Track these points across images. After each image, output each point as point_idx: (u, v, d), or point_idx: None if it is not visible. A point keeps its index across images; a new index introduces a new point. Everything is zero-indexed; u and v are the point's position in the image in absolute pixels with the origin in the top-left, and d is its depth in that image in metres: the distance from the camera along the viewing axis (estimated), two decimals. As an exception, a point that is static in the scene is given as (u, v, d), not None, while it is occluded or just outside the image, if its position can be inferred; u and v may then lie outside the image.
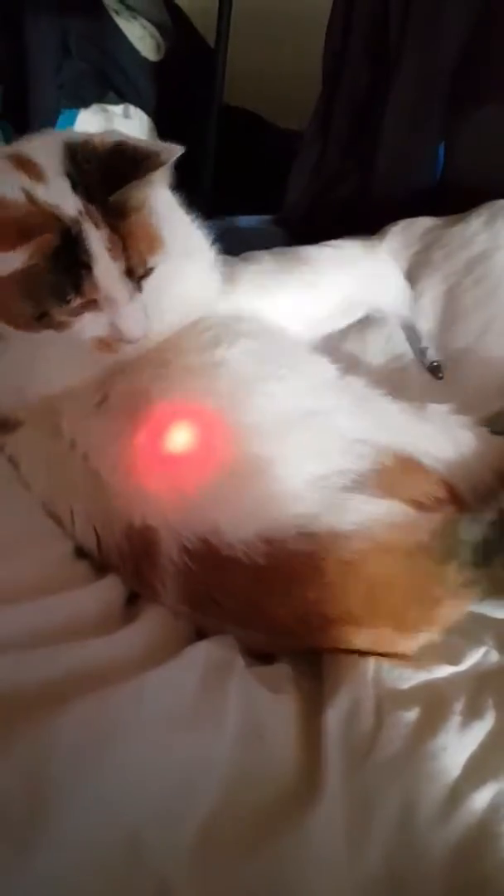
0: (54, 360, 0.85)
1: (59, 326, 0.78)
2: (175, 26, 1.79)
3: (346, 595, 0.73)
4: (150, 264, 0.79)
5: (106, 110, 1.73)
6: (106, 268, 0.75)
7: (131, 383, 0.83)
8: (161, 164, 0.76)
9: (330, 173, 1.38)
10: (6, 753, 0.60)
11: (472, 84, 1.31)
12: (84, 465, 0.81)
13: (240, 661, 0.73)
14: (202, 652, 0.72)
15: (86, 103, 1.70)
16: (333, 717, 0.68)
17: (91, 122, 1.71)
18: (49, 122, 1.62)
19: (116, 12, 1.70)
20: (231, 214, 1.38)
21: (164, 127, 1.77)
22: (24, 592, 0.76)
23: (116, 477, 0.79)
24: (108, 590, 0.80)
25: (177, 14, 1.80)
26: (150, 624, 0.77)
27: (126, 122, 1.74)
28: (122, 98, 1.74)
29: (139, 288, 0.79)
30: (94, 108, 1.72)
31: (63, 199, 0.75)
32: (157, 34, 1.76)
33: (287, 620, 0.75)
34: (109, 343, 0.81)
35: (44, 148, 0.79)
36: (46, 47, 1.56)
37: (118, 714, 0.65)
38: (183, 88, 1.72)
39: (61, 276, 0.74)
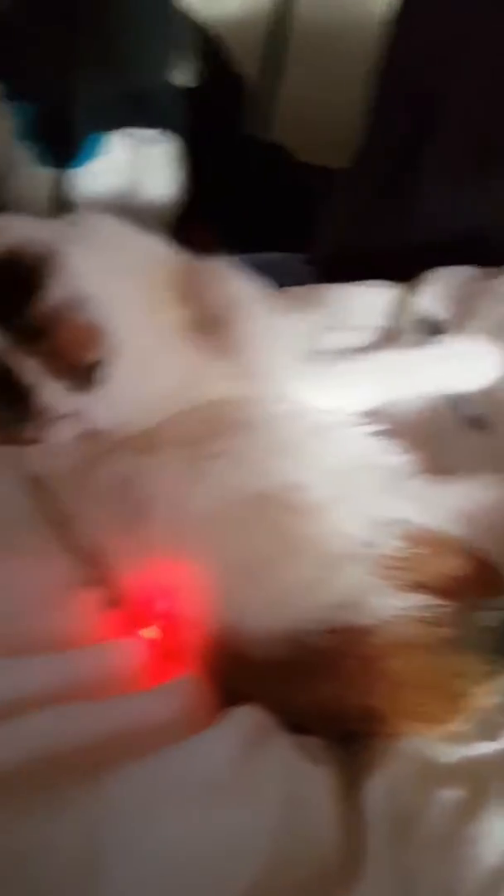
0: None
1: (33, 441, 0.75)
2: (210, 53, 1.78)
3: (367, 692, 0.70)
4: (93, 360, 0.74)
5: (134, 136, 1.72)
6: (51, 392, 0.72)
7: (113, 467, 0.80)
8: (51, 271, 0.70)
9: (367, 216, 1.37)
10: (62, 812, 0.59)
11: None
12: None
13: (278, 728, 0.71)
14: (244, 717, 0.71)
15: (115, 128, 1.69)
16: (373, 793, 0.67)
17: (120, 146, 1.71)
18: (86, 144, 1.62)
19: (151, 37, 1.70)
20: (256, 250, 1.37)
21: (193, 154, 1.77)
22: (57, 644, 0.74)
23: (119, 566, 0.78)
24: (141, 643, 0.77)
25: (213, 42, 1.80)
26: (187, 680, 0.74)
27: (155, 148, 1.74)
28: (151, 124, 1.73)
29: (98, 380, 0.74)
30: (123, 132, 1.71)
31: None
32: (191, 60, 1.75)
33: (307, 708, 0.73)
34: (91, 435, 0.77)
35: None
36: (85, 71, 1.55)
37: (164, 779, 0.63)
38: (215, 116, 1.72)
39: (14, 411, 0.72)
